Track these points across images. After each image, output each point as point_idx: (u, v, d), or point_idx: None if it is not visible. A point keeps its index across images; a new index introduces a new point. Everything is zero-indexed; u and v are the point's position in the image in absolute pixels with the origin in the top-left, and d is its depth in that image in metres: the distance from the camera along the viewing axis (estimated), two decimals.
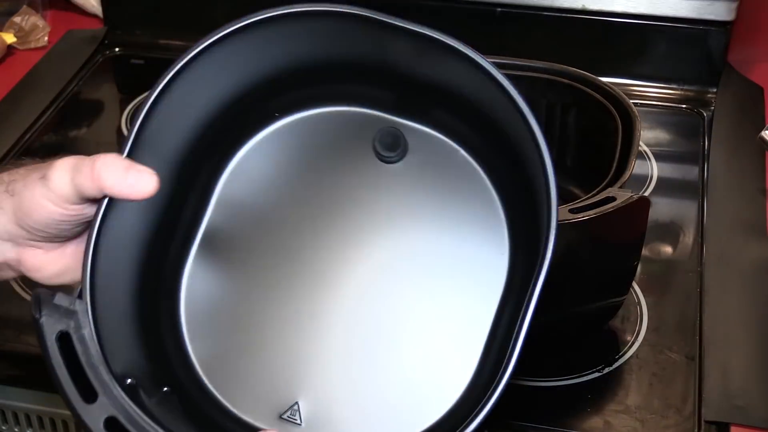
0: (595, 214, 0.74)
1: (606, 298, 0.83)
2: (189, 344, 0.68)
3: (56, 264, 0.65)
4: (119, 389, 0.58)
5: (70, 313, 0.59)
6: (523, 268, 0.65)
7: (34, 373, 0.84)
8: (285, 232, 0.70)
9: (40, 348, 0.58)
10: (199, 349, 0.68)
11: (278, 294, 0.68)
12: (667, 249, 0.95)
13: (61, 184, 0.61)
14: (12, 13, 1.27)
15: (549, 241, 0.58)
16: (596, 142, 0.90)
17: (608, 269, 0.81)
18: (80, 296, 0.60)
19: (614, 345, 0.84)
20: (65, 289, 0.62)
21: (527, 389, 0.81)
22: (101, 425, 0.57)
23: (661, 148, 1.09)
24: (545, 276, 0.58)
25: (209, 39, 0.63)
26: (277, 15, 0.63)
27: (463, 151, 0.68)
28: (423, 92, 0.66)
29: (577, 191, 0.94)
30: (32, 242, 0.64)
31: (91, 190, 0.60)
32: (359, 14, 0.62)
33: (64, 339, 0.59)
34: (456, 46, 0.61)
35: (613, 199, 0.75)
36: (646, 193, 1.01)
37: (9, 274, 0.67)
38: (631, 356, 0.83)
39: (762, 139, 0.95)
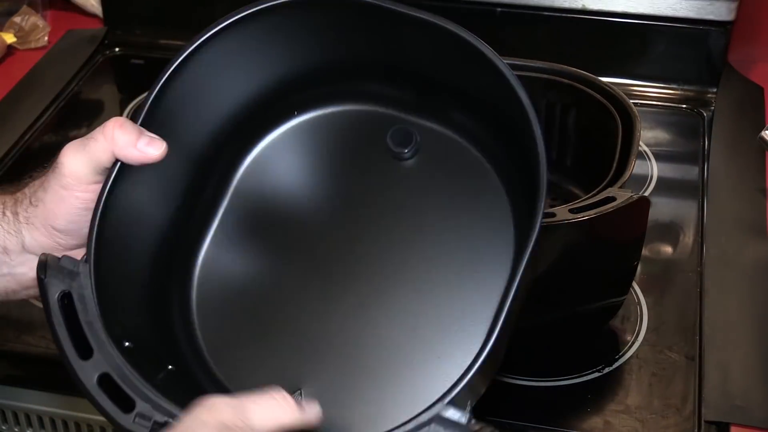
0: (595, 214, 0.74)
1: (606, 298, 0.83)
2: (198, 325, 0.69)
3: None
4: (115, 348, 0.59)
5: (74, 275, 0.61)
6: None
7: (33, 373, 0.84)
8: (300, 225, 0.72)
9: (43, 307, 0.60)
10: (207, 331, 0.69)
11: (290, 284, 0.69)
12: (667, 249, 0.95)
13: (73, 165, 0.63)
14: (12, 13, 1.27)
15: (532, 237, 0.58)
16: (596, 142, 0.90)
17: (608, 269, 0.81)
18: (86, 260, 0.62)
19: (614, 345, 0.84)
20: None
21: (527, 389, 0.81)
22: (94, 381, 0.59)
23: (661, 148, 1.09)
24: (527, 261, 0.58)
25: (218, 25, 0.65)
26: (288, 1, 0.63)
27: (474, 150, 0.68)
28: (438, 91, 0.67)
29: (577, 191, 0.94)
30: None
31: (105, 154, 0.62)
32: (372, 3, 0.62)
33: (65, 299, 0.60)
34: (458, 32, 0.62)
35: (613, 199, 0.75)
36: (646, 193, 1.01)
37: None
38: (631, 356, 0.83)
39: (762, 139, 0.96)
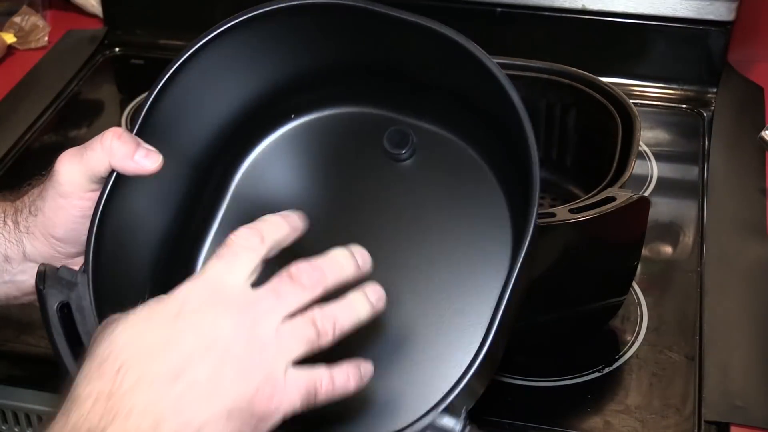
0: (595, 214, 0.74)
1: (606, 298, 0.83)
2: None
3: None
4: None
5: (72, 285, 0.61)
6: None
7: (33, 373, 0.84)
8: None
9: (41, 318, 0.60)
10: None
11: None
12: (667, 249, 0.95)
13: (69, 174, 0.63)
14: (12, 13, 1.27)
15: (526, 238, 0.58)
16: (596, 142, 0.90)
17: (608, 269, 0.81)
18: (85, 270, 0.62)
19: (614, 345, 0.84)
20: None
21: (527, 389, 0.81)
22: None
23: (661, 148, 1.09)
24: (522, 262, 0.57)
25: (213, 32, 0.64)
26: (284, 7, 0.63)
27: (470, 150, 0.68)
28: (432, 92, 0.67)
29: (577, 191, 0.94)
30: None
31: (101, 164, 0.62)
32: (363, 7, 0.62)
33: (64, 309, 0.60)
34: (447, 33, 0.61)
35: (613, 199, 0.75)
36: (646, 193, 1.01)
37: None
38: (631, 356, 0.83)
39: (762, 139, 0.95)
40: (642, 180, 1.03)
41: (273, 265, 0.68)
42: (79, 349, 0.60)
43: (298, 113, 0.72)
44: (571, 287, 0.80)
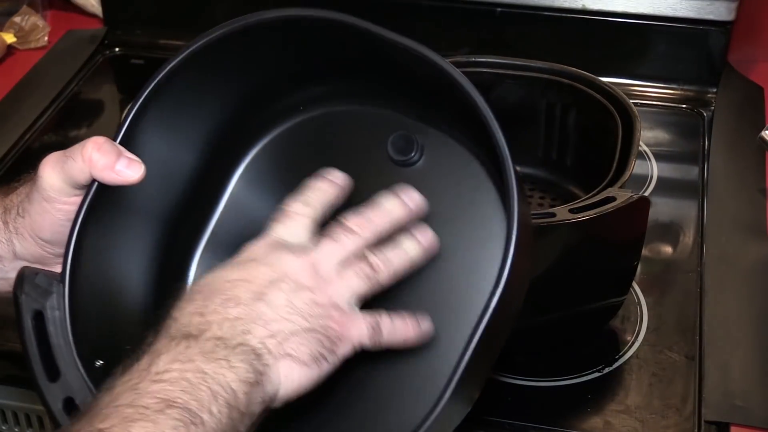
0: (595, 214, 0.74)
1: (606, 298, 0.83)
2: None
3: None
4: (82, 371, 0.59)
5: (48, 294, 0.61)
6: None
7: None
8: None
9: (16, 323, 0.61)
10: None
11: None
12: (667, 249, 0.95)
13: (51, 180, 0.63)
14: (12, 13, 1.27)
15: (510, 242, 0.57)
16: (596, 142, 0.90)
17: (608, 269, 0.81)
18: (61, 280, 0.61)
19: (614, 345, 0.84)
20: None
21: (528, 389, 0.81)
22: (60, 405, 0.59)
23: (661, 148, 1.09)
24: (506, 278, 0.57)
25: (206, 37, 0.63)
26: (269, 19, 0.63)
27: (476, 160, 0.67)
28: (436, 99, 0.66)
29: (577, 191, 0.94)
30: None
31: (82, 174, 0.62)
32: (340, 20, 0.61)
33: (39, 318, 0.60)
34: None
35: (613, 199, 0.75)
36: (646, 193, 1.01)
37: None
38: (631, 356, 0.83)
39: (762, 139, 0.95)
40: (642, 180, 1.03)
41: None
42: (50, 360, 0.60)
43: (301, 110, 0.72)
44: (571, 287, 0.80)
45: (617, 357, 0.83)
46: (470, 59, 0.93)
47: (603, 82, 0.90)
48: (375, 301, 0.63)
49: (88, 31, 1.29)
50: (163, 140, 0.67)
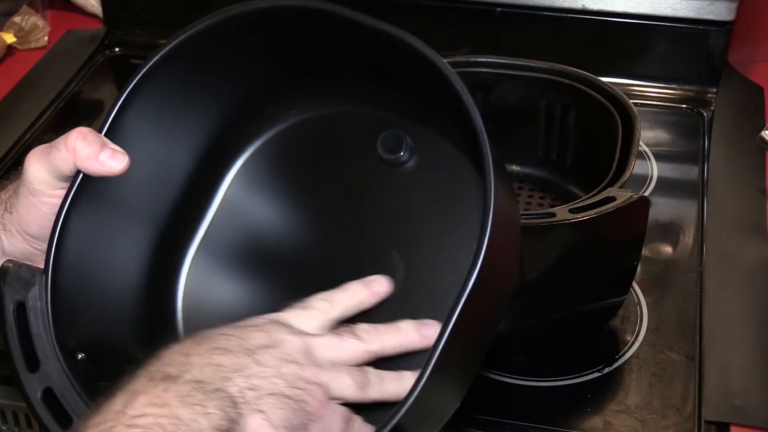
0: (595, 214, 0.74)
1: (606, 298, 0.83)
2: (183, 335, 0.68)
3: None
4: (63, 362, 0.59)
5: (30, 285, 0.61)
6: None
7: None
8: (287, 234, 0.70)
9: None
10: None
11: (276, 298, 0.68)
12: (667, 249, 0.95)
13: (36, 171, 0.63)
14: (12, 13, 1.27)
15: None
16: (596, 142, 0.90)
17: (608, 269, 0.81)
18: (44, 272, 0.61)
19: (614, 345, 0.84)
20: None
21: (527, 389, 0.81)
22: (39, 395, 0.59)
23: (661, 148, 1.09)
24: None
25: (196, 27, 0.63)
26: (250, 10, 0.62)
27: (467, 161, 0.66)
28: (426, 99, 0.65)
29: (577, 191, 0.94)
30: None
31: (66, 164, 0.62)
32: (323, 9, 0.60)
33: (21, 308, 0.60)
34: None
35: (613, 199, 0.75)
36: (646, 193, 1.01)
37: None
38: (631, 356, 0.83)
39: (762, 139, 0.95)
40: (642, 180, 1.03)
41: None
42: (30, 350, 0.60)
43: (293, 113, 0.71)
44: (571, 287, 0.80)
45: (617, 357, 0.83)
46: (470, 59, 0.93)
47: (603, 82, 0.90)
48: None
49: (88, 31, 1.29)
50: (153, 136, 0.66)
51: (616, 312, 0.85)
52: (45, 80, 1.20)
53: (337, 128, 0.71)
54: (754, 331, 0.83)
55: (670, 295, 0.90)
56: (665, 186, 1.03)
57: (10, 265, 0.61)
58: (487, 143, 0.56)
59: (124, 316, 0.67)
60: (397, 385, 0.60)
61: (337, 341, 0.60)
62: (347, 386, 0.59)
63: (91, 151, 0.62)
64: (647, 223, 0.80)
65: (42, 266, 0.63)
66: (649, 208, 0.78)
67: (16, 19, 1.26)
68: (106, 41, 1.28)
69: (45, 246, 0.64)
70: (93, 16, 1.31)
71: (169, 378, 0.54)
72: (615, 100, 0.88)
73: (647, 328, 0.86)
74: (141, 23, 1.28)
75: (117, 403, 0.52)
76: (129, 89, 0.64)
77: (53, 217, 0.63)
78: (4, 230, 0.65)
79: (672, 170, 1.07)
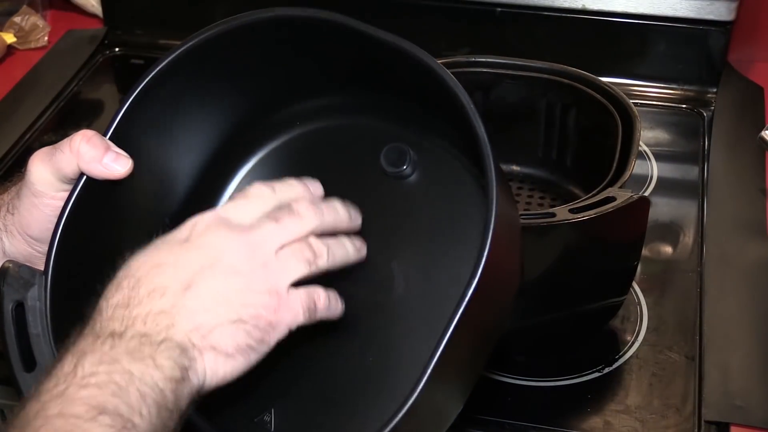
0: (595, 214, 0.74)
1: (606, 298, 0.83)
2: None
3: None
4: None
5: (29, 285, 0.61)
6: None
7: None
8: None
9: None
10: None
11: None
12: (667, 249, 0.95)
13: (39, 173, 0.63)
14: (12, 13, 1.27)
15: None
16: (596, 142, 0.90)
17: (608, 269, 0.81)
18: (44, 272, 0.62)
19: (614, 345, 0.84)
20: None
21: (528, 389, 0.81)
22: None
23: (661, 148, 1.09)
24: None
25: (201, 35, 0.63)
26: (251, 21, 0.63)
27: (470, 175, 0.66)
28: (431, 112, 0.65)
29: (577, 191, 0.94)
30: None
31: (69, 166, 0.62)
32: (338, 22, 0.60)
33: (19, 308, 0.61)
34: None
35: (613, 199, 0.75)
36: (646, 193, 1.01)
37: None
38: (631, 356, 0.83)
39: (762, 139, 0.95)
40: (642, 180, 1.03)
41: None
42: (28, 350, 0.60)
43: (297, 124, 0.72)
44: (571, 287, 0.80)
45: (617, 357, 0.83)
46: (470, 59, 0.93)
47: (603, 82, 0.90)
48: (368, 308, 0.64)
49: (88, 31, 1.29)
50: (157, 142, 0.67)
51: (616, 312, 0.85)
52: (45, 80, 1.20)
53: (341, 140, 0.71)
54: (754, 331, 0.83)
55: (670, 295, 0.90)
56: (665, 186, 1.03)
57: (11, 265, 0.62)
58: (491, 157, 0.57)
59: None
60: (341, 248, 0.63)
61: (276, 228, 0.60)
62: (296, 269, 0.59)
63: (94, 154, 0.62)
64: (647, 223, 0.80)
65: (42, 268, 0.63)
66: (649, 208, 0.78)
67: (16, 19, 1.26)
68: (106, 41, 1.28)
69: (46, 248, 0.64)
70: (93, 16, 1.31)
71: (115, 334, 0.54)
72: (615, 100, 0.88)
73: (647, 328, 0.86)
74: (141, 23, 1.28)
75: (66, 364, 0.52)
76: (135, 94, 0.64)
77: (55, 220, 0.63)
78: (6, 232, 0.66)
79: (672, 170, 1.07)
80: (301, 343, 0.65)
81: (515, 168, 0.98)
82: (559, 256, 0.78)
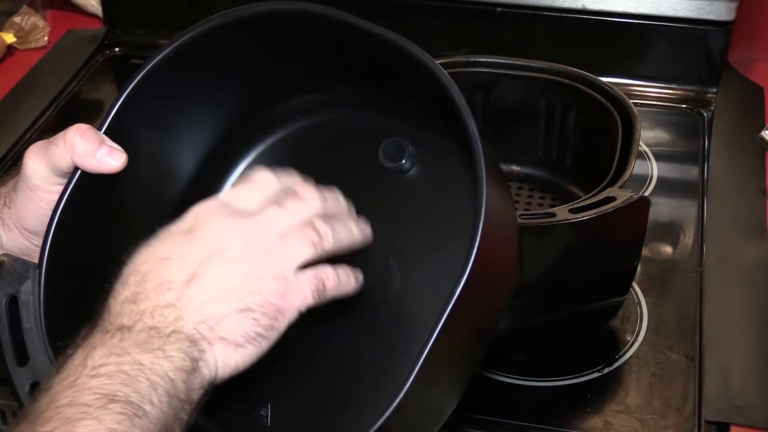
0: (595, 214, 0.74)
1: (606, 298, 0.83)
2: None
3: None
4: (52, 356, 0.60)
5: (23, 279, 0.61)
6: None
7: None
8: None
9: None
10: None
11: None
12: (667, 249, 0.95)
13: (34, 166, 0.63)
14: (12, 13, 1.27)
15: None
16: (596, 142, 0.90)
17: (608, 269, 0.81)
18: (38, 266, 0.62)
19: (614, 345, 0.84)
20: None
21: (527, 389, 0.81)
22: (27, 389, 0.60)
23: (661, 148, 1.09)
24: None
25: (199, 27, 0.63)
26: (248, 15, 0.62)
27: (467, 170, 0.66)
28: (427, 106, 0.65)
29: (577, 191, 0.94)
30: None
31: (64, 160, 0.62)
32: (321, 13, 0.60)
33: (13, 302, 0.61)
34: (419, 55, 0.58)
35: (613, 199, 0.75)
36: (646, 193, 1.01)
37: None
38: (631, 356, 0.83)
39: (762, 139, 0.95)
40: (642, 180, 1.03)
41: None
42: (21, 344, 0.60)
43: (298, 118, 0.71)
44: (571, 287, 0.80)
45: (617, 357, 0.83)
46: (470, 59, 0.93)
47: (603, 82, 0.90)
48: (365, 303, 0.64)
49: (88, 31, 1.29)
50: (153, 136, 0.66)
51: (616, 312, 0.85)
52: (45, 80, 1.20)
53: (340, 135, 0.71)
54: (754, 331, 0.83)
55: (670, 295, 0.90)
56: (665, 186, 1.03)
57: (5, 258, 0.62)
58: (480, 149, 0.56)
59: None
60: (346, 230, 0.62)
61: (280, 212, 0.60)
62: (302, 252, 0.59)
63: (88, 148, 0.62)
64: (647, 223, 0.80)
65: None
66: (649, 208, 0.78)
67: (16, 19, 1.26)
68: (106, 41, 1.28)
69: (41, 242, 0.64)
70: (93, 16, 1.31)
71: (124, 328, 0.54)
72: (615, 100, 0.88)
73: (647, 328, 0.86)
74: (141, 23, 1.28)
75: (77, 357, 0.53)
76: (130, 88, 0.64)
77: (48, 209, 0.63)
78: (3, 225, 0.66)
79: (672, 170, 1.07)
80: (298, 338, 0.64)
81: (515, 168, 0.98)
82: (559, 256, 0.78)
